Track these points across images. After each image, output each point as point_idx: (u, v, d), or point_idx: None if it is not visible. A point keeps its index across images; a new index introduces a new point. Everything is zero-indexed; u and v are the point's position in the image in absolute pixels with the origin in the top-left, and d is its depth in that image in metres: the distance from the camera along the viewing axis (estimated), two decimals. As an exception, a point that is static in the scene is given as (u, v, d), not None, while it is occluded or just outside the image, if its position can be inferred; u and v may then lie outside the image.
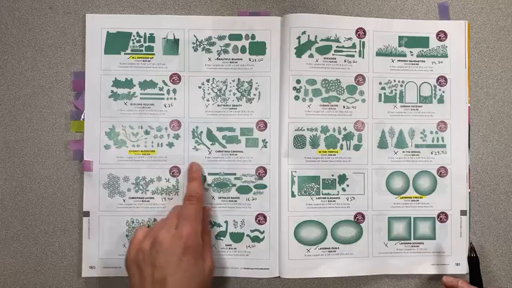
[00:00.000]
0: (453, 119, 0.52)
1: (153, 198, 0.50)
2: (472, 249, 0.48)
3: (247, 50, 0.51)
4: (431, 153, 0.51)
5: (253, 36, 0.51)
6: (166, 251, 0.42)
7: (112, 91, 0.50)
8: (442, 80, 0.52)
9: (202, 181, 0.49)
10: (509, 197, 0.52)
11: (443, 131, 0.52)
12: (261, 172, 0.50)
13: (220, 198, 0.50)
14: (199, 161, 0.50)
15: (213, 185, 0.50)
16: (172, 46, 0.50)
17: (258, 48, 0.51)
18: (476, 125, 0.52)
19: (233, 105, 0.51)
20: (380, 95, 0.51)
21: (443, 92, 0.52)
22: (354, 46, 0.51)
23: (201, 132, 0.50)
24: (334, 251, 0.50)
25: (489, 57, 0.52)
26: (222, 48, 0.51)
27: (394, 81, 0.51)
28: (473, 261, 0.48)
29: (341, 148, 0.51)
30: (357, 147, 0.51)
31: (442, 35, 0.52)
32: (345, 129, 0.51)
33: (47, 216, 0.50)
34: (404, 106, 0.52)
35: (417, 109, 0.52)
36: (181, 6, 0.51)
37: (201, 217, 0.46)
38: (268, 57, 0.51)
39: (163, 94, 0.50)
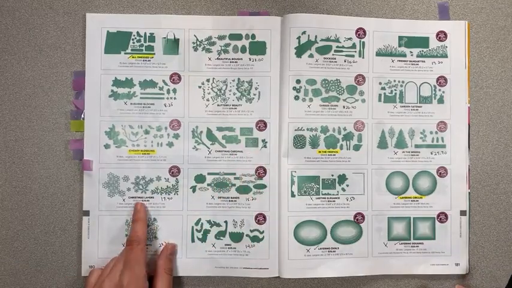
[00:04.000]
0: (453, 119, 0.52)
1: (152, 197, 0.50)
2: None
3: (247, 50, 0.51)
4: (431, 154, 0.51)
5: (253, 36, 0.51)
6: None
7: (112, 90, 0.50)
8: (442, 80, 0.52)
9: (147, 221, 0.49)
10: (509, 197, 0.52)
11: (443, 131, 0.52)
12: (261, 172, 0.50)
13: (220, 198, 0.50)
14: (199, 161, 0.50)
15: (212, 184, 0.50)
16: (173, 46, 0.51)
17: (258, 48, 0.51)
18: (476, 125, 0.52)
19: (233, 105, 0.51)
20: (380, 95, 0.51)
21: (443, 92, 0.52)
22: (354, 46, 0.51)
23: (201, 132, 0.50)
24: (334, 251, 0.50)
25: (489, 57, 0.52)
26: (222, 48, 0.51)
27: (394, 81, 0.51)
28: None
29: (341, 148, 0.51)
30: (356, 147, 0.51)
31: (442, 35, 0.52)
32: (344, 129, 0.51)
33: (47, 216, 0.50)
34: (404, 106, 0.52)
35: (417, 109, 0.52)
36: (181, 6, 0.51)
37: (144, 260, 0.46)
38: (268, 57, 0.51)
39: (163, 94, 0.50)
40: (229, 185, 0.50)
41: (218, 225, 0.50)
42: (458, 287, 0.49)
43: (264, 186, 0.50)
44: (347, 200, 0.51)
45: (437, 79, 0.52)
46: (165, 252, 0.48)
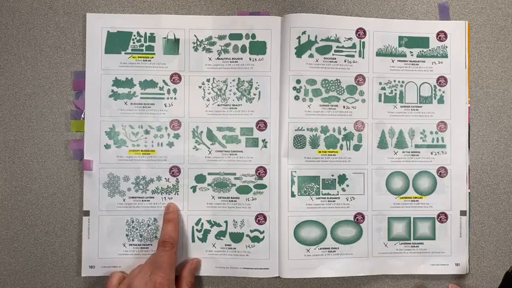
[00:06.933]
0: (453, 119, 0.52)
1: (153, 197, 0.50)
2: None
3: (248, 50, 0.51)
4: (431, 154, 0.51)
5: (253, 36, 0.51)
6: None
7: (112, 91, 0.50)
8: (442, 80, 0.52)
9: (178, 222, 0.49)
10: (509, 197, 0.52)
11: (443, 131, 0.52)
12: (261, 172, 0.50)
13: (220, 198, 0.50)
14: (199, 161, 0.50)
15: (213, 184, 0.50)
16: (173, 46, 0.51)
17: (258, 48, 0.51)
18: (476, 125, 0.52)
19: (233, 105, 0.51)
20: (380, 95, 0.51)
21: (443, 92, 0.52)
22: (354, 46, 0.51)
23: (201, 132, 0.50)
24: (334, 251, 0.50)
25: (489, 57, 0.52)
26: (223, 47, 0.51)
27: (394, 81, 0.52)
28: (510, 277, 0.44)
29: (341, 148, 0.51)
30: (356, 147, 0.51)
31: (442, 35, 0.52)
32: (345, 129, 0.51)
33: (47, 216, 0.50)
34: (404, 106, 0.52)
35: (417, 109, 0.52)
36: (181, 6, 0.51)
37: (175, 263, 0.46)
38: (268, 57, 0.51)
39: (163, 94, 0.50)
40: (230, 185, 0.50)
41: (218, 225, 0.50)
42: (451, 286, 0.49)
43: (264, 186, 0.50)
44: (347, 200, 0.51)
45: (438, 79, 0.52)
46: (189, 266, 0.48)
